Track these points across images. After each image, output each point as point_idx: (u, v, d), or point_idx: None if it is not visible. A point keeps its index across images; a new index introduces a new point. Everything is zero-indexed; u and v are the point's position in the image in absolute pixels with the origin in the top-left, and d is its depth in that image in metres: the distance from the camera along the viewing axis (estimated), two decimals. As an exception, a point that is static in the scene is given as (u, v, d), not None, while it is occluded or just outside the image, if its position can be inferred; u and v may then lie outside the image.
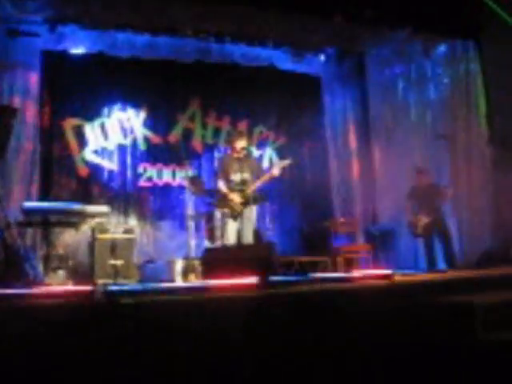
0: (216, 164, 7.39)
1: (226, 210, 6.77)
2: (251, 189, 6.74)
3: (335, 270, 8.17)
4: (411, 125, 9.45)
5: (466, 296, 4.14)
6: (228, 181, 6.81)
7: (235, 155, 6.87)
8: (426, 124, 9.31)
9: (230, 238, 6.68)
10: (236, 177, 6.79)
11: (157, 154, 9.16)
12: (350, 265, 8.45)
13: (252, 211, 6.80)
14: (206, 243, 7.72)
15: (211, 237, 7.68)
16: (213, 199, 7.32)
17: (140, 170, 9.00)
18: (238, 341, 3.53)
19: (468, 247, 8.66)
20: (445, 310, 3.94)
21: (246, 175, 6.79)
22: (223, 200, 6.81)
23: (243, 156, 6.89)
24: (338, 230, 9.07)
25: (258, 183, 6.79)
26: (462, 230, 8.75)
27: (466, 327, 3.68)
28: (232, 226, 6.72)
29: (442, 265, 7.79)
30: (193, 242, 7.58)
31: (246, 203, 6.71)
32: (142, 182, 8.99)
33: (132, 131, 9.06)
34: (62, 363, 3.13)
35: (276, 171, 6.81)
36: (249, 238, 6.72)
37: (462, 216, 8.78)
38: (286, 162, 7.08)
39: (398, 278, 5.07)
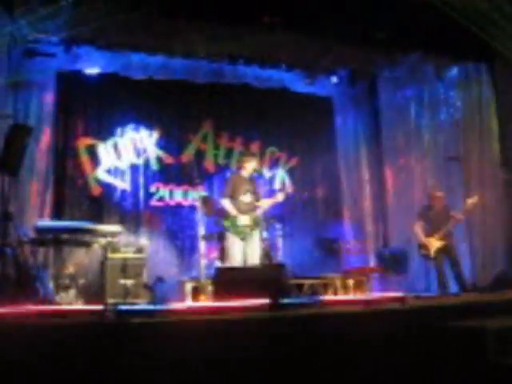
0: (225, 182, 7.41)
1: (231, 231, 6.76)
2: (259, 211, 6.74)
3: (346, 292, 8.13)
4: (423, 147, 9.44)
5: (478, 320, 4.10)
6: (237, 201, 6.82)
7: (246, 176, 6.89)
8: (438, 147, 9.30)
9: (236, 259, 6.67)
10: (245, 198, 6.79)
11: (169, 174, 9.20)
12: (361, 287, 8.40)
13: (259, 233, 6.80)
14: (217, 264, 7.72)
15: (222, 257, 7.66)
16: (220, 219, 7.32)
17: (152, 189, 9.03)
18: (247, 361, 3.52)
19: (481, 271, 8.60)
20: (456, 334, 3.91)
21: (255, 197, 6.80)
22: (230, 221, 6.80)
23: (253, 177, 6.90)
24: (350, 251, 9.03)
25: (265, 206, 6.80)
26: (475, 253, 8.69)
27: (477, 351, 3.65)
28: (238, 247, 6.72)
29: (453, 288, 7.74)
30: (203, 263, 7.57)
31: (253, 225, 6.72)
32: (154, 202, 9.02)
33: (145, 151, 9.11)
34: (73, 382, 3.13)
35: (280, 197, 6.87)
36: (255, 260, 6.71)
37: (475, 239, 8.74)
38: (289, 189, 7.14)
39: (410, 301, 5.04)
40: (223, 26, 7.68)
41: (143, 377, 3.26)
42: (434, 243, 7.72)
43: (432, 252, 7.74)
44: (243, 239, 6.71)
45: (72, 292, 6.73)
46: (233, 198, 6.85)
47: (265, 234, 7.46)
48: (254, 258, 6.73)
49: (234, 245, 6.76)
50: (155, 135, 9.19)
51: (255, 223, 6.73)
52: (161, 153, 9.20)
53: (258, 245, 6.81)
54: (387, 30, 7.90)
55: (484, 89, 9.12)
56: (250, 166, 6.87)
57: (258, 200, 6.81)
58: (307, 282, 8.09)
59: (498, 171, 8.82)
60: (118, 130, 9.02)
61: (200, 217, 7.84)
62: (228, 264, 6.90)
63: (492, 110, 9.04)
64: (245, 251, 6.73)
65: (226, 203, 6.84)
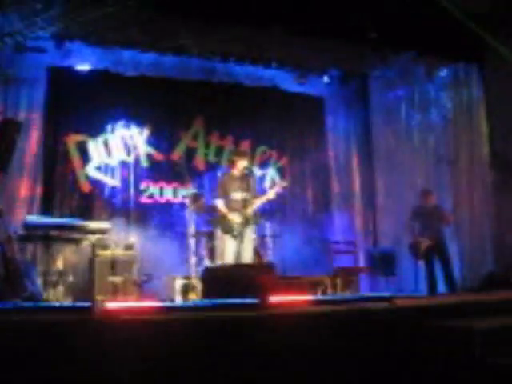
0: (217, 181, 7.41)
1: (224, 230, 6.75)
2: (251, 208, 6.74)
3: (335, 291, 8.15)
4: (413, 147, 9.48)
5: (466, 320, 4.12)
6: (228, 199, 6.81)
7: (237, 174, 6.88)
8: (428, 147, 9.34)
9: (229, 258, 6.66)
10: (237, 196, 6.79)
11: (159, 171, 9.18)
12: (349, 286, 8.42)
13: (251, 231, 6.79)
14: (207, 262, 7.71)
15: (212, 256, 7.66)
16: (211, 217, 7.31)
17: (142, 186, 9.01)
18: (236, 359, 3.52)
19: (469, 271, 8.64)
20: (444, 334, 3.92)
21: (247, 194, 6.80)
22: (222, 219, 6.81)
23: (244, 175, 6.90)
24: (339, 250, 9.05)
25: (257, 204, 6.80)
26: (464, 253, 8.73)
27: (465, 351, 3.66)
28: (231, 246, 6.70)
29: (442, 288, 7.77)
30: (193, 261, 7.56)
31: (245, 223, 6.71)
32: (144, 199, 9.00)
33: (135, 148, 9.08)
34: (60, 379, 3.12)
35: (271, 195, 6.87)
36: (248, 258, 6.70)
37: (464, 240, 8.78)
38: (283, 183, 7.17)
39: (398, 300, 5.05)
40: (215, 24, 7.67)
41: (131, 374, 3.26)
42: (425, 243, 7.75)
43: (422, 251, 7.78)
44: (235, 237, 6.69)
45: (60, 289, 6.70)
46: (224, 196, 6.85)
47: (255, 233, 7.45)
48: (247, 256, 6.72)
49: (227, 243, 6.75)
50: (146, 132, 9.16)
51: (246, 220, 6.72)
52: (151, 150, 9.18)
53: (251, 243, 6.80)
54: (379, 30, 7.91)
55: (474, 90, 9.16)
56: (241, 165, 6.87)
57: (251, 197, 6.80)
58: (296, 280, 8.10)
59: (487, 172, 8.86)
60: (109, 127, 8.98)
61: (190, 214, 7.82)
62: (220, 263, 6.89)
63: (482, 111, 9.09)
64: (238, 250, 6.72)
65: (219, 203, 6.84)
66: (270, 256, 8.35)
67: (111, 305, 4.36)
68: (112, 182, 8.85)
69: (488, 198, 8.80)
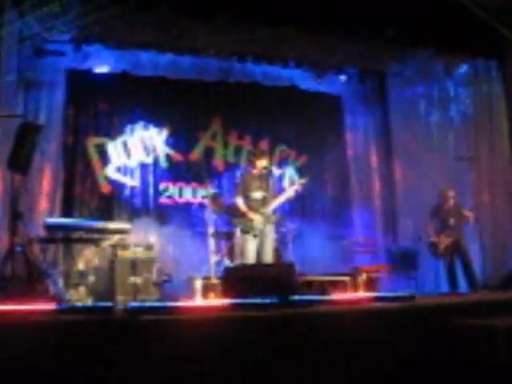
0: (236, 180, 7.40)
1: (245, 228, 6.75)
2: (270, 207, 6.73)
3: (356, 290, 8.11)
4: (433, 145, 9.40)
5: (488, 319, 4.08)
6: (248, 198, 6.81)
7: (256, 173, 6.88)
8: (447, 144, 9.26)
9: (250, 257, 6.65)
10: (257, 195, 6.78)
11: (178, 172, 9.23)
12: (370, 285, 8.38)
13: (271, 230, 6.78)
14: (226, 262, 7.71)
15: (231, 255, 7.66)
16: (232, 217, 7.31)
17: (161, 187, 9.06)
18: (256, 358, 3.52)
19: (491, 269, 8.56)
20: (467, 333, 3.89)
21: (267, 193, 6.79)
22: (242, 218, 6.80)
23: (264, 175, 6.89)
24: (359, 249, 9.01)
25: (276, 203, 6.78)
26: (485, 251, 8.65)
27: (488, 350, 3.63)
28: (251, 245, 6.69)
29: (463, 286, 7.70)
30: (213, 261, 7.57)
31: (265, 222, 6.70)
32: (164, 200, 9.04)
33: (154, 149, 9.13)
34: (82, 379, 3.14)
35: (291, 193, 6.83)
36: (268, 257, 6.69)
37: (485, 237, 8.68)
38: (302, 180, 7.13)
39: (419, 299, 5.02)
40: (232, 24, 7.67)
41: (153, 374, 3.27)
42: (444, 241, 7.69)
43: (442, 250, 7.72)
44: (255, 237, 6.69)
45: (82, 290, 6.74)
46: (244, 195, 6.85)
47: (275, 232, 7.44)
48: (267, 256, 6.71)
49: (247, 243, 6.74)
50: (164, 133, 9.22)
51: (266, 220, 6.71)
52: (170, 151, 9.23)
53: (271, 242, 6.79)
54: (397, 27, 7.86)
55: (494, 86, 9.06)
56: (260, 164, 6.86)
57: (271, 196, 6.79)
58: (316, 279, 8.08)
59: (508, 169, 8.76)
60: (128, 129, 9.06)
61: (209, 214, 7.84)
62: (241, 262, 6.89)
63: (502, 107, 8.99)
64: (258, 249, 6.71)
65: (239, 201, 6.84)
66: (289, 255, 8.33)
67: (132, 305, 4.38)
68: (131, 182, 8.91)
69: (509, 195, 8.70)
